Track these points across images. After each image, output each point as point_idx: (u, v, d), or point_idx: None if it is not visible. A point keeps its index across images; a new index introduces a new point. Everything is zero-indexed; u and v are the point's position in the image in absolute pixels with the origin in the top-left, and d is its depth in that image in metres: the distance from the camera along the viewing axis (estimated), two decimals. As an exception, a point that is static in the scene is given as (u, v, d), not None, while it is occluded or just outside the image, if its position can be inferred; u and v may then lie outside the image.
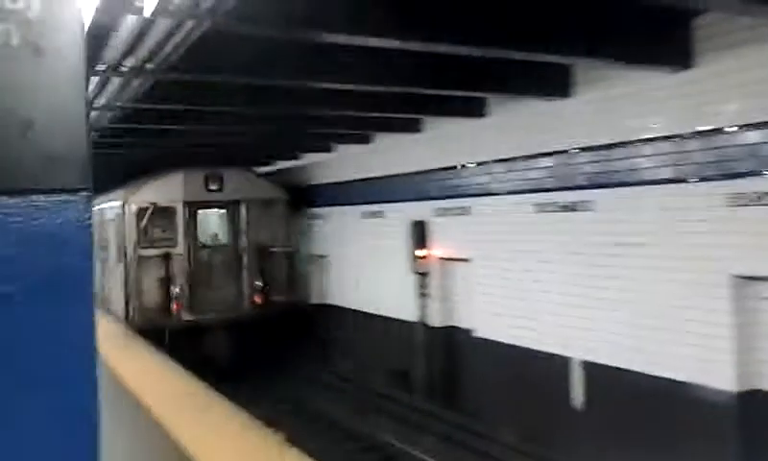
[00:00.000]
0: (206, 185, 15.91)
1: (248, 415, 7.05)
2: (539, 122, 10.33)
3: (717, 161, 7.76)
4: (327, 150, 15.75)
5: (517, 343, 10.82)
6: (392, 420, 12.61)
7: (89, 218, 1.17)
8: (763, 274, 7.47)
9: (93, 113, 9.97)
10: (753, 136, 7.39)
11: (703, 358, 7.98)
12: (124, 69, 7.32)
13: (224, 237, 16.29)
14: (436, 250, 12.93)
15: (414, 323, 13.29)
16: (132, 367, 9.48)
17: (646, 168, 8.67)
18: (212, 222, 16.36)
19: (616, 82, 8.87)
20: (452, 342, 12.79)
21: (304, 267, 17.68)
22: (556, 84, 9.58)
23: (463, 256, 12.30)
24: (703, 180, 7.93)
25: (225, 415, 6.77)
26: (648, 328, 8.66)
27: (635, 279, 8.83)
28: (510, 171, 10.97)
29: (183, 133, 12.52)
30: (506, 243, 11.16)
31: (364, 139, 14.27)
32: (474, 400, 12.11)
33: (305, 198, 17.45)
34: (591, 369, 9.57)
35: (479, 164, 11.71)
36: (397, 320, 13.82)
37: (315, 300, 17.37)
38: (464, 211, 12.14)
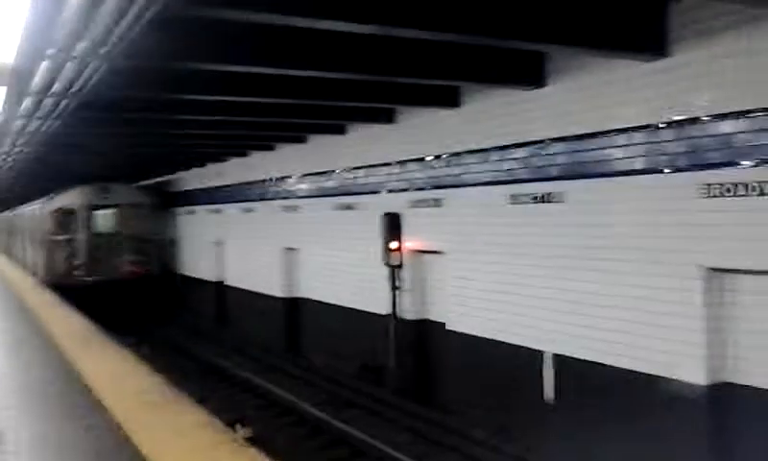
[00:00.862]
0: (99, 194, 23.93)
1: (207, 413, 6.79)
2: (512, 112, 10.15)
3: (691, 152, 7.62)
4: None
5: (491, 336, 10.64)
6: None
7: None
8: (735, 266, 7.34)
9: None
10: (727, 126, 7.25)
11: (675, 352, 7.85)
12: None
13: (111, 228, 24.05)
14: (409, 242, 12.72)
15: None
16: (91, 363, 9.17)
17: (620, 158, 8.50)
18: (104, 218, 24.14)
19: (591, 70, 8.71)
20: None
21: (171, 248, 25.65)
22: (529, 73, 9.40)
23: (436, 249, 12.11)
24: (677, 170, 7.79)
25: (182, 412, 6.50)
26: (620, 321, 8.51)
27: (607, 271, 8.67)
28: (484, 162, 10.78)
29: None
30: (479, 235, 10.96)
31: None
32: (445, 393, 11.94)
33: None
34: (564, 362, 9.42)
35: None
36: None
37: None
38: (436, 203, 11.95)
